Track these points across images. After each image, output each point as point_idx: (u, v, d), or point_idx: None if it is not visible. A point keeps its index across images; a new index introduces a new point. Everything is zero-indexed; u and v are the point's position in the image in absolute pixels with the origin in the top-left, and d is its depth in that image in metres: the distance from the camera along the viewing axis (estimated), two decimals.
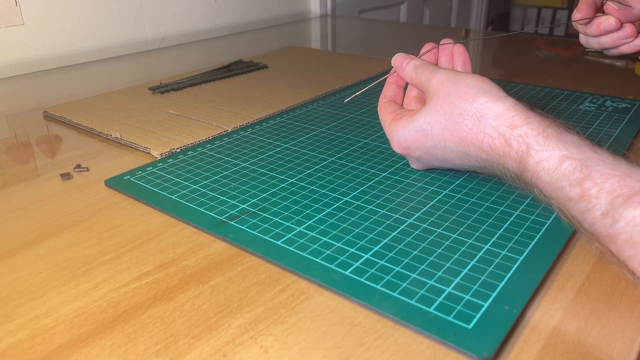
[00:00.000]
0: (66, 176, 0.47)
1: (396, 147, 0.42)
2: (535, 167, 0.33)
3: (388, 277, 0.32)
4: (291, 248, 0.35)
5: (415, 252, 0.34)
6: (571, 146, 0.32)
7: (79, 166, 0.49)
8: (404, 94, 0.46)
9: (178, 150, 0.52)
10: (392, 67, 0.45)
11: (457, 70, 0.40)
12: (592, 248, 0.32)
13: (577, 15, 0.51)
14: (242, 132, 0.56)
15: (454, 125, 0.37)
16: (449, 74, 0.39)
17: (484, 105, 0.36)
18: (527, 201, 0.40)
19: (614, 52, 0.54)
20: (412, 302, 0.30)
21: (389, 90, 0.46)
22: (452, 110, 0.37)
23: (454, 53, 0.45)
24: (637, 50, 0.52)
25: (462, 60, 0.44)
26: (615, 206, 0.29)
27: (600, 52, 0.60)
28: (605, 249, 0.30)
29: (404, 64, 0.44)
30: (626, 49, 0.52)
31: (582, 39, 0.55)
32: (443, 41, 0.45)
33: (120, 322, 0.30)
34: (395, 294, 0.30)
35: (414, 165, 0.45)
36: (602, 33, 0.51)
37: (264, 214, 0.39)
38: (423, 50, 0.46)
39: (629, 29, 0.50)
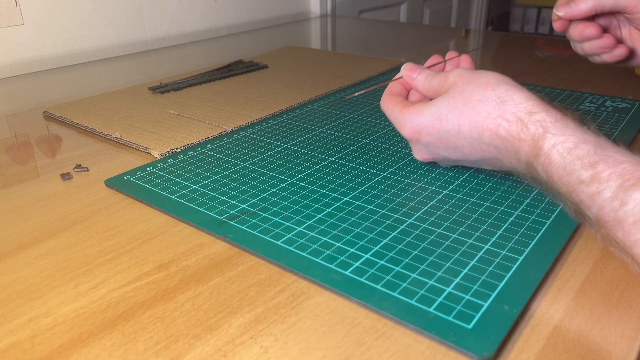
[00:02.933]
0: (66, 176, 0.47)
1: (407, 130, 0.42)
2: (550, 150, 0.33)
3: (388, 277, 0.32)
4: (291, 248, 0.35)
5: (415, 252, 0.34)
6: (587, 133, 0.33)
7: (79, 166, 0.49)
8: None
9: (178, 150, 0.52)
10: (398, 74, 0.46)
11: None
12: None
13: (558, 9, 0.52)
14: (242, 132, 0.56)
15: (471, 110, 0.38)
16: (467, 69, 0.41)
17: (505, 92, 0.37)
18: (527, 201, 0.40)
19: (598, 59, 0.54)
20: (412, 302, 0.30)
21: (395, 87, 0.46)
22: (472, 97, 0.38)
23: (460, 63, 0.46)
24: (619, 59, 0.53)
25: (469, 68, 0.45)
26: (624, 188, 0.29)
27: None
28: (611, 237, 0.30)
29: (414, 74, 0.45)
30: (608, 57, 0.53)
31: (571, 44, 0.55)
32: (449, 55, 0.47)
33: (120, 322, 0.30)
34: (395, 294, 0.30)
35: (419, 154, 0.44)
36: (584, 39, 0.52)
37: (264, 214, 0.39)
38: (429, 62, 0.47)
39: (607, 39, 0.51)
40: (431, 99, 0.43)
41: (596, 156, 0.31)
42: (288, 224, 0.38)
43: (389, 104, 0.44)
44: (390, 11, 1.67)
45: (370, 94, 0.68)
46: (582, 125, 0.34)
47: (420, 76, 0.44)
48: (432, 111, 0.40)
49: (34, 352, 0.28)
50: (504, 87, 0.37)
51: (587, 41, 0.52)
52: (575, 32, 0.52)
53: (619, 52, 0.52)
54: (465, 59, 0.46)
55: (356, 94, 0.51)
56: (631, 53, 0.54)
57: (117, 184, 0.45)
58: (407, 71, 0.45)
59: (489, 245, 0.35)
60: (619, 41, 0.52)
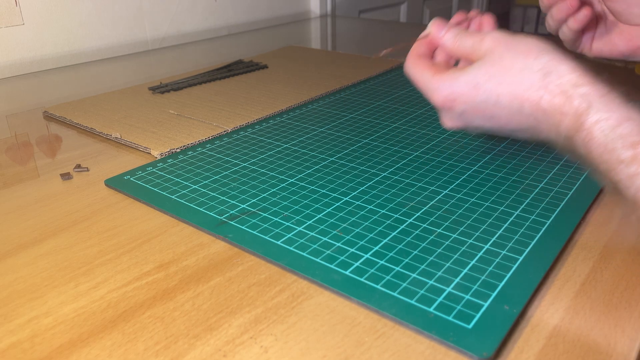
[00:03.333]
0: (66, 176, 0.47)
1: (440, 99, 0.39)
2: (592, 126, 0.32)
3: (388, 277, 0.32)
4: (291, 248, 0.35)
5: (415, 252, 0.34)
6: (632, 110, 0.32)
7: (79, 166, 0.49)
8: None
9: (178, 150, 0.52)
10: (425, 31, 0.43)
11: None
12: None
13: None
14: (242, 132, 0.56)
15: (512, 80, 0.36)
16: (505, 34, 0.38)
17: (549, 62, 0.35)
18: (527, 201, 0.40)
19: (566, 31, 0.53)
20: (412, 302, 0.30)
21: (420, 48, 0.43)
22: (513, 65, 0.36)
23: (482, 24, 0.43)
24: (582, 24, 0.52)
25: (493, 29, 0.42)
26: None
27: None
28: None
29: (442, 32, 0.41)
30: (573, 24, 0.52)
31: (546, 22, 0.54)
32: (472, 14, 0.44)
33: (120, 322, 0.30)
34: (395, 294, 0.30)
35: (449, 122, 0.42)
36: (552, 3, 0.51)
37: (264, 214, 0.39)
38: (453, 20, 0.44)
39: (572, 0, 0.50)
40: (458, 61, 0.40)
41: (638, 136, 0.30)
42: (288, 224, 0.38)
43: (417, 68, 0.41)
44: (390, 11, 1.67)
45: (371, 94, 0.68)
46: (629, 101, 0.33)
47: (448, 34, 0.41)
48: (468, 79, 0.38)
49: (34, 352, 0.28)
50: (547, 56, 0.35)
51: (555, 5, 0.51)
52: None
53: (583, 14, 0.50)
54: (488, 20, 0.42)
55: (383, 52, 0.47)
56: (598, 19, 0.53)
57: (117, 184, 0.45)
58: (435, 27, 0.42)
59: (489, 245, 0.35)
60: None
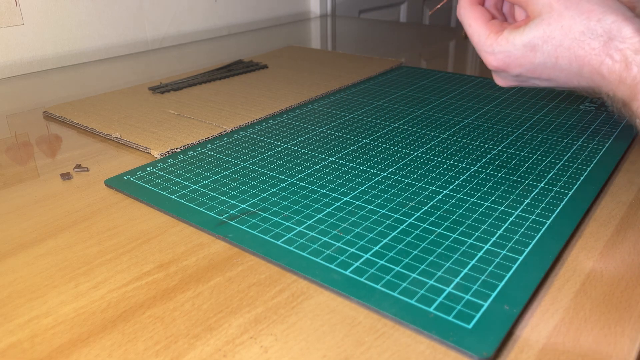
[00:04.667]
0: (66, 176, 0.47)
1: (494, 62, 0.38)
2: None
3: (388, 277, 0.32)
4: (291, 248, 0.35)
5: (415, 252, 0.34)
6: None
7: (79, 166, 0.49)
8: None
9: (178, 150, 0.52)
10: None
11: None
12: None
13: None
14: (242, 132, 0.56)
15: (572, 42, 0.34)
16: None
17: (612, 25, 0.33)
18: (527, 201, 0.40)
19: None
20: (412, 302, 0.30)
21: None
22: (572, 27, 0.34)
23: None
24: None
25: None
26: None
27: None
28: None
29: None
30: None
31: None
32: None
33: (120, 322, 0.30)
34: (395, 294, 0.30)
35: (503, 82, 0.41)
36: None
37: (264, 214, 0.39)
38: None
39: None
40: (515, 7, 0.39)
41: None
42: (288, 224, 0.38)
43: (472, 20, 0.39)
44: (390, 11, 1.67)
45: (371, 93, 0.68)
46: None
47: None
48: (524, 41, 0.36)
49: (34, 352, 0.28)
50: (610, 17, 0.33)
51: None
52: None
53: None
54: None
55: (438, 6, 0.47)
56: None
57: (117, 184, 0.45)
58: None
59: (489, 245, 0.35)
60: None
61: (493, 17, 0.40)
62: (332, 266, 0.33)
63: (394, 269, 0.33)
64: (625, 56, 0.33)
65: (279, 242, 0.36)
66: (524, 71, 0.38)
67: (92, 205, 0.43)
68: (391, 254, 0.34)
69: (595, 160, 0.47)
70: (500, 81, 0.41)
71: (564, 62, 0.35)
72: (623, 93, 0.33)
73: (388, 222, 0.38)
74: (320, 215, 0.39)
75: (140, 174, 0.47)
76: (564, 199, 0.40)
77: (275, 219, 0.39)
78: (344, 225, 0.38)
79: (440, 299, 0.30)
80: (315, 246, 0.35)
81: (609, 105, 0.36)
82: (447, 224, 0.38)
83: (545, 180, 0.43)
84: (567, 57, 0.35)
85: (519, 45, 0.36)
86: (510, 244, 0.35)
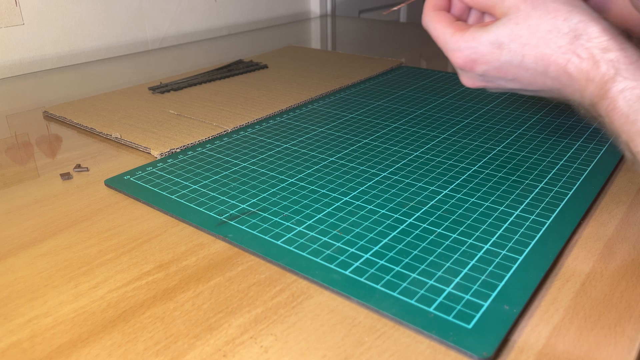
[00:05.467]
0: (66, 176, 0.47)
1: (460, 59, 0.38)
2: (617, 95, 0.31)
3: (388, 277, 0.32)
4: (291, 248, 0.35)
5: (415, 252, 0.34)
6: None
7: (79, 166, 0.49)
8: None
9: (178, 150, 0.52)
10: None
11: None
12: None
13: None
14: (242, 132, 0.56)
15: (538, 41, 0.34)
16: None
17: (579, 23, 0.33)
18: (527, 201, 0.40)
19: None
20: (412, 301, 0.30)
21: None
22: (539, 26, 0.34)
23: None
24: None
25: None
26: None
27: None
28: None
29: None
30: None
31: None
32: None
33: (120, 322, 0.30)
34: (395, 294, 0.30)
35: (469, 81, 0.40)
36: None
37: (264, 214, 0.39)
38: None
39: None
40: (483, 14, 0.39)
41: None
42: (288, 224, 0.38)
43: (436, 23, 0.39)
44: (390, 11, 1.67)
45: (370, 93, 0.68)
46: None
47: None
48: (491, 38, 0.36)
49: (34, 352, 0.28)
50: (577, 16, 0.33)
51: None
52: None
53: None
54: None
55: (394, 8, 0.47)
56: None
57: (117, 184, 0.45)
58: None
59: (489, 245, 0.35)
60: None
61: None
62: (332, 266, 0.33)
63: (394, 269, 0.33)
64: (593, 54, 0.32)
65: (279, 242, 0.36)
66: (489, 69, 0.37)
67: (92, 205, 0.43)
68: (391, 254, 0.34)
69: (595, 160, 0.47)
70: (466, 80, 0.40)
71: (530, 61, 0.35)
72: (591, 92, 0.33)
73: (388, 222, 0.38)
74: (320, 215, 0.39)
75: (140, 174, 0.47)
76: (564, 199, 0.40)
77: (275, 219, 0.39)
78: (344, 225, 0.38)
79: (440, 299, 0.30)
80: (315, 246, 0.35)
81: (575, 108, 0.35)
82: (447, 224, 0.38)
83: (545, 180, 0.43)
84: (533, 55, 0.35)
85: (485, 42, 0.36)
86: (510, 244, 0.35)
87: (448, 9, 0.41)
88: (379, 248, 0.35)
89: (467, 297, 0.30)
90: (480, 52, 0.36)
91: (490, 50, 0.36)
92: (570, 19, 0.33)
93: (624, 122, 0.31)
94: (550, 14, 0.34)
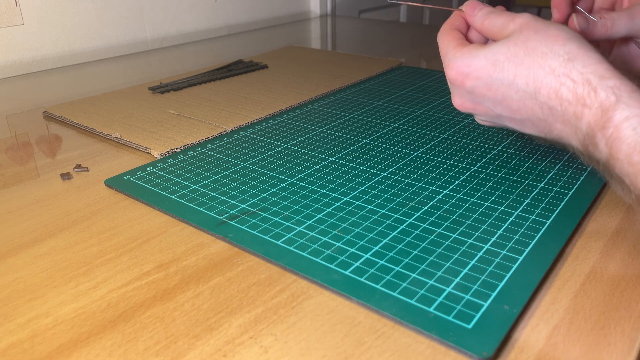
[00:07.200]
0: (66, 176, 0.47)
1: (454, 70, 0.38)
2: (622, 123, 0.29)
3: (388, 277, 0.32)
4: (291, 248, 0.35)
5: (415, 252, 0.34)
6: None
7: (79, 166, 0.49)
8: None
9: (178, 150, 0.52)
10: (463, 5, 0.42)
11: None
12: None
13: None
14: (242, 132, 0.56)
15: (533, 62, 0.34)
16: (535, 17, 0.36)
17: (576, 49, 0.33)
18: (527, 201, 0.40)
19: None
20: (412, 302, 0.30)
21: (458, 21, 0.41)
22: (537, 48, 0.34)
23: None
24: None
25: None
26: None
27: None
28: None
29: (476, 10, 0.40)
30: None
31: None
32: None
33: (120, 322, 0.30)
34: (395, 294, 0.30)
35: (459, 100, 0.40)
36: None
37: (264, 214, 0.39)
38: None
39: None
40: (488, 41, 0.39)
41: None
42: (288, 224, 0.38)
43: (445, 38, 0.40)
44: (390, 11, 1.67)
45: (370, 93, 0.68)
46: None
47: (480, 13, 0.39)
48: (487, 54, 0.36)
49: (34, 352, 0.28)
50: (575, 43, 0.33)
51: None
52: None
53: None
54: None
55: (401, 2, 0.47)
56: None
57: (117, 184, 0.45)
58: (468, 7, 0.40)
59: (489, 245, 0.35)
60: None
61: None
62: (332, 266, 0.33)
63: (394, 269, 0.33)
64: (589, 80, 0.31)
65: (279, 242, 0.36)
66: (479, 85, 0.37)
67: (92, 205, 0.43)
68: (391, 254, 0.34)
69: None
70: (455, 99, 0.40)
71: (521, 82, 0.34)
72: (589, 121, 0.31)
73: (388, 222, 0.38)
74: (320, 215, 0.39)
75: (140, 174, 0.47)
76: (564, 199, 0.40)
77: (275, 219, 0.39)
78: (344, 225, 0.38)
79: (440, 299, 0.30)
80: (315, 246, 0.35)
81: (561, 146, 0.33)
82: (447, 224, 0.38)
83: (545, 180, 0.43)
84: (525, 76, 0.34)
85: (481, 57, 0.36)
86: (510, 244, 0.35)
87: (465, 31, 0.41)
88: (379, 248, 0.35)
89: (467, 297, 0.30)
90: (473, 66, 0.36)
91: (484, 66, 0.36)
92: (567, 44, 0.33)
93: (632, 153, 0.29)
94: (550, 38, 0.34)
